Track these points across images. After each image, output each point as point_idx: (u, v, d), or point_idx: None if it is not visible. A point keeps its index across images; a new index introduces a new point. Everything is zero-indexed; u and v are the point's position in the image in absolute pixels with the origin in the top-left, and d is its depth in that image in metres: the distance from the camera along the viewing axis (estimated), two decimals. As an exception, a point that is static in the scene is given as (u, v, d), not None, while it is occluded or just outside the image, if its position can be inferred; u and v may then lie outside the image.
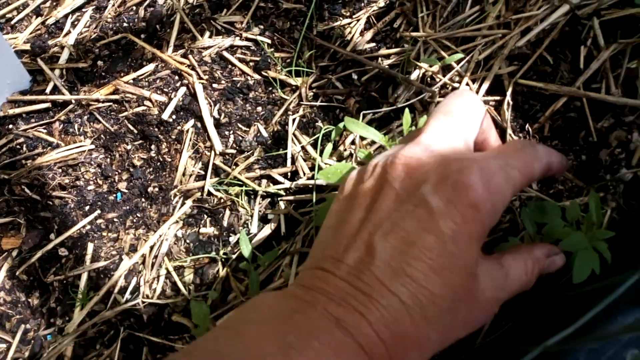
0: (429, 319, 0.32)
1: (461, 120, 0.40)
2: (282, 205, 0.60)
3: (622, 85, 0.55)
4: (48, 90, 0.69)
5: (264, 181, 0.62)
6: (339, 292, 0.33)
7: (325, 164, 0.60)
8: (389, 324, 0.32)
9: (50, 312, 0.61)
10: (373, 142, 0.60)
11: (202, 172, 0.63)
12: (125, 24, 0.71)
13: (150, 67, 0.67)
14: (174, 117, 0.65)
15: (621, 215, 0.50)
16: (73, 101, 0.67)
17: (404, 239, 0.33)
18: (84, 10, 0.74)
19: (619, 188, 0.51)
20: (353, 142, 0.61)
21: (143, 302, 0.57)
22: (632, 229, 0.48)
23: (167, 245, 0.60)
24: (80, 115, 0.67)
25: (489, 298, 0.35)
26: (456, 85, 0.60)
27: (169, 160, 0.64)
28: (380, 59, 0.65)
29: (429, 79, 0.63)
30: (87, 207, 0.63)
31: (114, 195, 0.64)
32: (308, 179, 0.61)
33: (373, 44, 0.66)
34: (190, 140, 0.64)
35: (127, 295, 0.58)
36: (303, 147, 0.63)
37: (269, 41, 0.67)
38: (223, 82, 0.66)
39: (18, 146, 0.67)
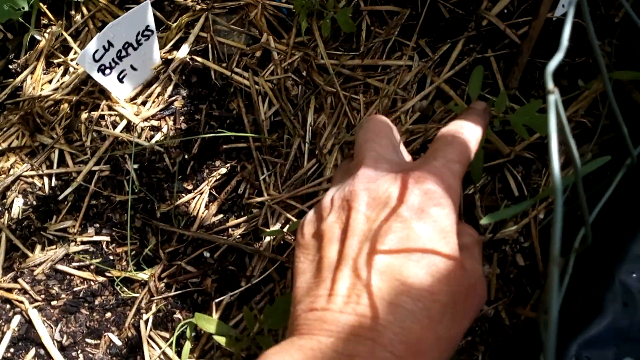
0: (434, 318, 0.33)
1: (384, 137, 0.42)
2: None
3: (465, 215, 0.54)
4: None
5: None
6: (343, 327, 0.32)
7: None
8: (401, 338, 0.32)
9: None
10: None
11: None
12: (-54, 254, 0.64)
13: (-22, 299, 0.60)
14: (11, 350, 0.57)
15: None
16: None
17: (389, 253, 0.34)
18: None
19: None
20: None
21: None
22: None
23: None
24: None
25: (477, 274, 0.37)
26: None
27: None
28: (230, 229, 0.62)
29: (282, 242, 0.60)
30: None
31: None
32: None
33: (221, 216, 0.63)
34: (33, 374, 0.56)
35: None
36: (163, 352, 0.56)
37: (108, 238, 0.62)
38: (63, 296, 0.60)
39: None
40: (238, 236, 0.61)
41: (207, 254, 0.61)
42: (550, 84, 0.20)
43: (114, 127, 0.66)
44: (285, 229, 0.58)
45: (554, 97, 0.20)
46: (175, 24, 0.70)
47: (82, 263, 0.61)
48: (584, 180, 0.39)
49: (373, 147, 0.41)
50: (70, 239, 0.62)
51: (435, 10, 0.65)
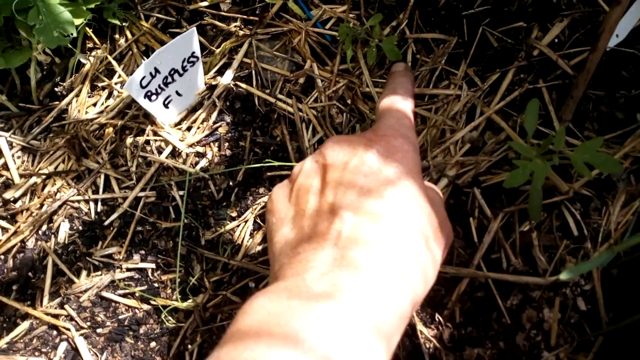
0: (411, 244, 0.36)
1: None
2: None
3: (521, 253, 0.53)
4: None
5: None
6: (327, 260, 0.34)
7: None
8: (385, 262, 0.34)
9: None
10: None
11: None
12: (-7, 277, 0.64)
13: (25, 324, 0.60)
14: (57, 378, 0.57)
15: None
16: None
17: (363, 193, 0.38)
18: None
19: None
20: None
21: None
22: None
23: None
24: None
25: (443, 214, 0.42)
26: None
27: None
28: (275, 258, 0.61)
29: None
30: None
31: None
32: None
33: (265, 244, 0.62)
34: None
35: None
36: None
37: (154, 265, 0.62)
38: (108, 324, 0.60)
39: None
40: (283, 266, 0.60)
41: (252, 284, 0.60)
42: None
43: (160, 152, 0.66)
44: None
45: None
46: (219, 50, 0.70)
47: (127, 290, 0.61)
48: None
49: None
50: (115, 265, 0.62)
51: (483, 38, 0.64)
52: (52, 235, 0.65)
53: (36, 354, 0.59)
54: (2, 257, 0.65)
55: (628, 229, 0.50)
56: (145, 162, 0.66)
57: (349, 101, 0.65)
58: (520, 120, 0.59)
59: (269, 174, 0.64)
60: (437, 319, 0.52)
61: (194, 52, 0.64)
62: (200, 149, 0.66)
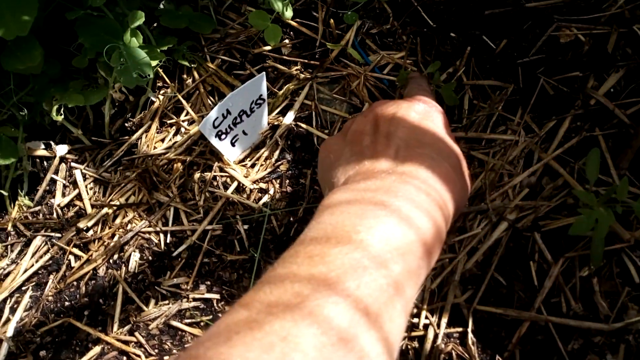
0: (450, 171, 0.45)
1: None
2: None
3: (581, 299, 0.54)
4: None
5: None
6: (387, 172, 0.43)
7: None
8: (433, 178, 0.43)
9: None
10: None
11: None
12: (67, 303, 0.68)
13: (97, 349, 0.63)
14: (126, 402, 0.60)
15: None
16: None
17: (410, 132, 0.48)
18: (23, 288, 0.71)
19: None
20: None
21: None
22: None
23: None
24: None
25: (465, 166, 0.50)
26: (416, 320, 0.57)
27: None
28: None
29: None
30: None
31: None
32: None
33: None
34: None
35: None
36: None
37: (218, 296, 0.65)
38: (174, 352, 0.62)
39: None
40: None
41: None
42: None
43: (226, 188, 0.70)
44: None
45: None
46: (281, 92, 0.74)
47: (193, 320, 0.64)
48: None
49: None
50: (182, 295, 0.65)
51: (537, 85, 0.67)
52: (123, 264, 0.68)
53: (107, 378, 0.62)
54: (75, 283, 0.69)
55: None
56: (212, 196, 0.69)
57: (406, 143, 0.68)
58: (577, 166, 0.61)
59: (328, 211, 0.67)
60: (498, 361, 0.54)
61: (261, 95, 0.68)
62: (263, 185, 0.70)
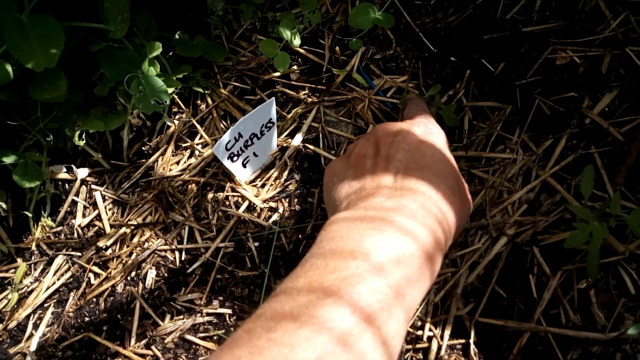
0: (448, 190, 0.48)
1: None
2: None
3: (579, 310, 0.56)
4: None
5: None
6: (390, 189, 0.47)
7: None
8: (433, 197, 0.46)
9: None
10: None
11: None
12: (87, 318, 0.71)
13: (114, 363, 0.66)
14: (142, 413, 0.62)
15: None
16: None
17: (410, 152, 0.51)
18: (46, 305, 0.75)
19: None
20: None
21: None
22: None
23: None
24: None
25: (465, 186, 0.53)
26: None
27: None
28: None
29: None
30: None
31: None
32: None
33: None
34: None
35: None
36: None
37: (231, 311, 0.68)
38: (189, 364, 0.65)
39: None
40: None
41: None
42: None
43: (237, 207, 0.73)
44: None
45: None
46: (290, 115, 0.78)
47: (207, 334, 0.67)
48: None
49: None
50: (196, 310, 0.68)
51: (535, 106, 0.69)
52: (140, 281, 0.72)
53: (124, 390, 0.64)
54: (94, 300, 0.72)
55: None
56: (224, 215, 0.73)
57: (410, 163, 0.71)
58: (574, 183, 0.63)
59: (336, 228, 0.70)
60: (500, 371, 0.55)
61: (271, 119, 0.72)
62: (273, 204, 0.73)
